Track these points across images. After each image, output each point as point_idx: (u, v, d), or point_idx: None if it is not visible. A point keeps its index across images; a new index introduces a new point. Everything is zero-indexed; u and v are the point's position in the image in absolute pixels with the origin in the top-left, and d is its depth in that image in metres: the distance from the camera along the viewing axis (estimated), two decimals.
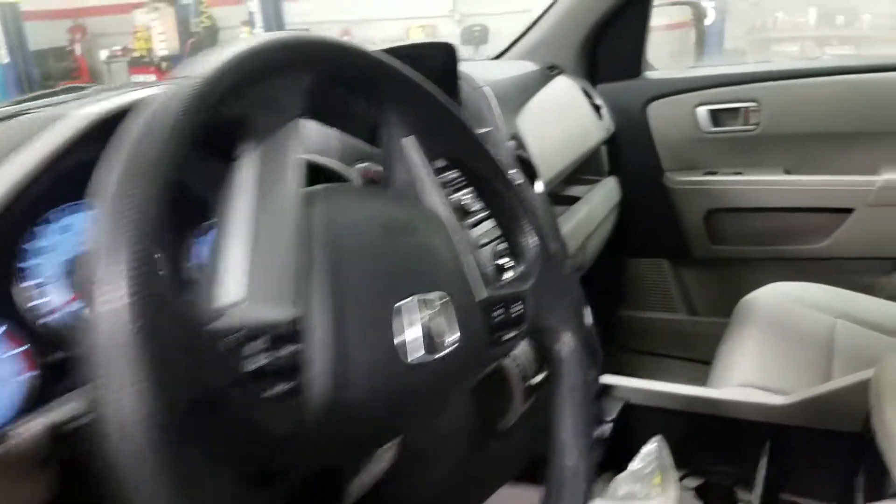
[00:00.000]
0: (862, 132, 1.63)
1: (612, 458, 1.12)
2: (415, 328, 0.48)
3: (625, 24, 1.80)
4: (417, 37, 9.06)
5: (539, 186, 1.24)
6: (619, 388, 1.26)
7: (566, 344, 0.68)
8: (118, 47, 9.46)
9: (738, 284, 1.84)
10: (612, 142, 1.86)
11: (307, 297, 0.43)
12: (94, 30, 11.07)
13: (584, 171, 1.84)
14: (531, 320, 0.66)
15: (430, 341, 0.49)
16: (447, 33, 8.91)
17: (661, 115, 1.79)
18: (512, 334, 0.63)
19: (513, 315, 0.64)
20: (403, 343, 0.47)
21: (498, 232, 0.76)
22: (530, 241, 0.70)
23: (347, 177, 0.79)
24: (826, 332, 1.40)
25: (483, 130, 1.16)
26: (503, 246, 0.80)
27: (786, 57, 6.67)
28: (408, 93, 0.59)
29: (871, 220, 1.62)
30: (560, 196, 1.72)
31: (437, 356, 0.50)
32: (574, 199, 1.69)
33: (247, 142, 0.46)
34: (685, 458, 1.10)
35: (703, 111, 1.75)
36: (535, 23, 1.85)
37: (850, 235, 1.66)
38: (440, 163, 0.65)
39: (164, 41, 8.33)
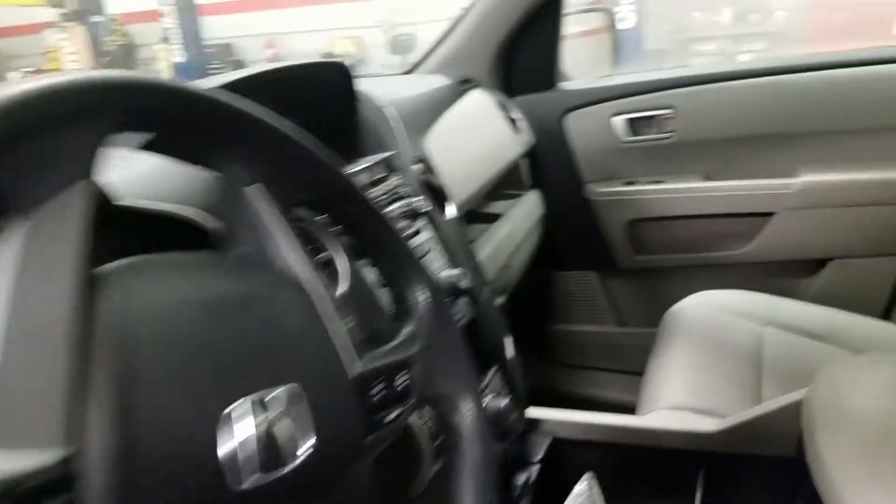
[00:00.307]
0: (779, 134, 1.62)
1: (543, 501, 1.05)
2: (248, 441, 0.39)
3: (537, 33, 1.74)
4: (344, 48, 8.97)
5: (450, 211, 1.16)
6: (547, 423, 1.18)
7: (465, 415, 0.60)
8: (31, 68, 8.99)
9: (665, 294, 1.82)
10: (531, 155, 1.80)
11: (82, 428, 0.33)
12: (6, 51, 10.53)
13: (504, 186, 1.78)
14: (421, 391, 0.57)
15: (271, 455, 0.40)
16: (375, 43, 8.82)
17: (578, 126, 1.74)
18: (397, 412, 0.54)
19: (397, 388, 0.55)
20: (233, 462, 0.38)
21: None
22: (419, 295, 0.61)
23: (209, 230, 0.68)
24: (754, 342, 1.37)
25: (384, 155, 1.07)
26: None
27: (705, 55, 6.85)
28: (247, 133, 0.49)
29: (792, 222, 1.61)
30: (480, 214, 1.65)
31: (282, 472, 0.40)
32: (495, 217, 1.62)
33: (7, 216, 0.35)
34: (619, 495, 1.03)
35: (619, 121, 1.71)
36: (446, 35, 1.78)
37: (772, 239, 1.64)
38: None
39: (75, 61, 7.93)
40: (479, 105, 1.64)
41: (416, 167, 1.12)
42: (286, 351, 0.46)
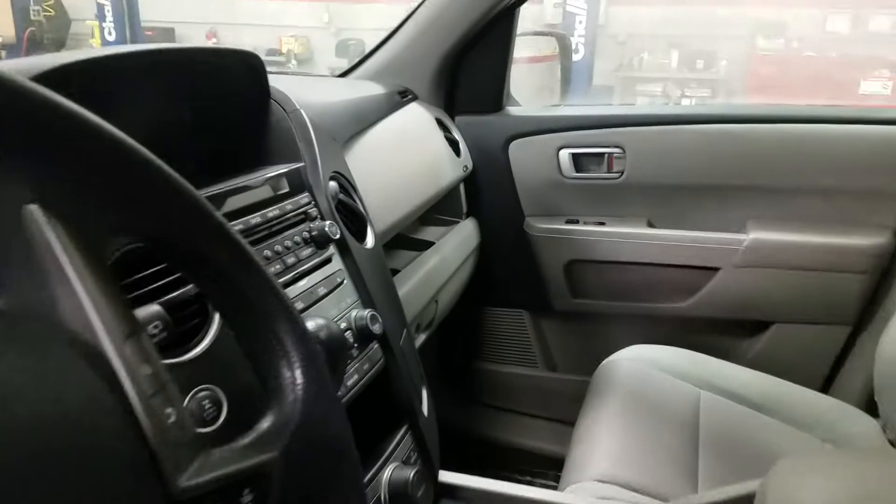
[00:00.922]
0: (730, 186, 1.53)
1: None
2: None
3: (486, 51, 1.61)
4: (290, 46, 8.69)
5: (370, 240, 1.00)
6: (461, 491, 1.03)
7: None
8: None
9: (599, 341, 1.70)
10: (470, 181, 1.67)
11: None
12: None
13: (439, 211, 1.63)
14: None
15: None
16: (322, 46, 8.58)
17: (522, 155, 1.62)
18: None
19: None
20: None
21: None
22: (285, 375, 0.44)
23: None
24: (690, 406, 1.26)
25: (290, 167, 0.90)
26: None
27: (650, 96, 6.95)
28: (30, 129, 0.32)
29: (736, 280, 1.52)
30: (408, 239, 1.49)
31: None
32: (426, 244, 1.46)
33: None
34: None
35: (565, 154, 1.59)
36: (386, 40, 1.63)
37: (714, 295, 1.55)
38: None
39: None
40: (416, 120, 1.49)
41: (332, 185, 0.95)
42: (50, 452, 0.29)
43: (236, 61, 0.89)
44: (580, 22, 6.09)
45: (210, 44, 9.65)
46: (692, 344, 1.40)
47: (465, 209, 1.67)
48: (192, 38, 9.43)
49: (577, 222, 1.63)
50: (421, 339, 1.42)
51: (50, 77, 0.65)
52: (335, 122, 1.09)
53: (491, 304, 1.79)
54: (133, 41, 7.08)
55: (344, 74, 1.66)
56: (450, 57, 1.59)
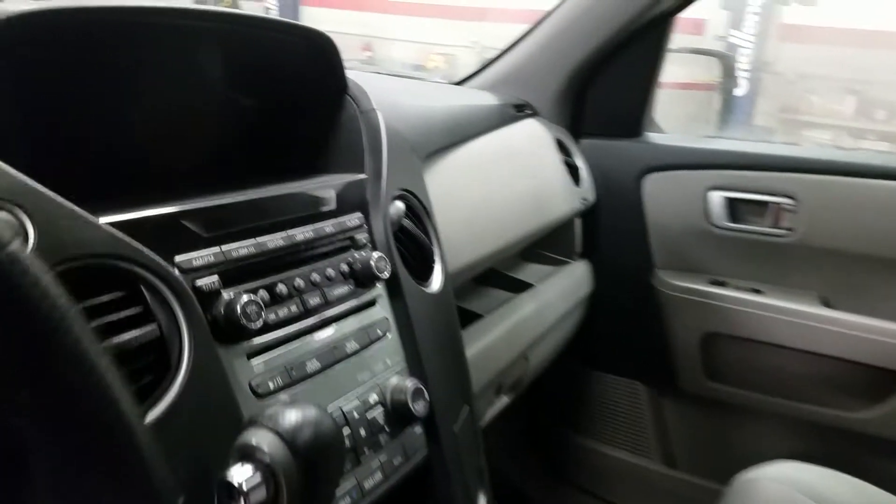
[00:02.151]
0: None
1: None
2: None
3: (629, 65, 1.35)
4: (435, 62, 8.71)
5: (436, 281, 0.75)
6: None
7: None
8: None
9: (737, 441, 1.36)
10: (590, 216, 1.39)
11: None
12: None
13: (547, 246, 1.37)
14: None
15: None
16: (466, 63, 8.55)
17: (661, 191, 1.32)
18: None
19: None
20: None
21: None
22: None
23: None
24: None
25: (342, 179, 0.68)
26: None
27: (816, 144, 6.24)
28: None
29: None
30: (504, 277, 1.24)
31: None
32: (524, 286, 1.21)
33: None
34: None
35: (717, 197, 1.27)
36: (511, 47, 1.40)
37: None
38: None
39: None
40: (530, 138, 1.25)
41: (395, 206, 0.73)
42: None
43: (306, 42, 0.69)
44: (745, 55, 5.57)
45: (365, 55, 9.96)
46: (867, 471, 1.03)
47: (578, 248, 1.40)
48: (346, 47, 9.76)
49: (724, 285, 1.30)
50: (502, 402, 1.16)
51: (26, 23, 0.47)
52: (421, 130, 0.87)
53: (599, 369, 1.49)
54: None
55: (461, 82, 1.45)
56: (582, 69, 1.33)
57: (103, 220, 0.44)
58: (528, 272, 1.33)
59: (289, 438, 0.41)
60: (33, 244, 0.39)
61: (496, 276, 1.24)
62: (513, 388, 1.19)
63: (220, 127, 0.72)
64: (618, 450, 1.51)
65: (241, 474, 0.40)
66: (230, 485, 0.39)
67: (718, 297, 1.28)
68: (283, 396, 0.53)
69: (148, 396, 0.44)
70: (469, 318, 1.05)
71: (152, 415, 0.43)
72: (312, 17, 8.43)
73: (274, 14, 7.84)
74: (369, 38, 9.75)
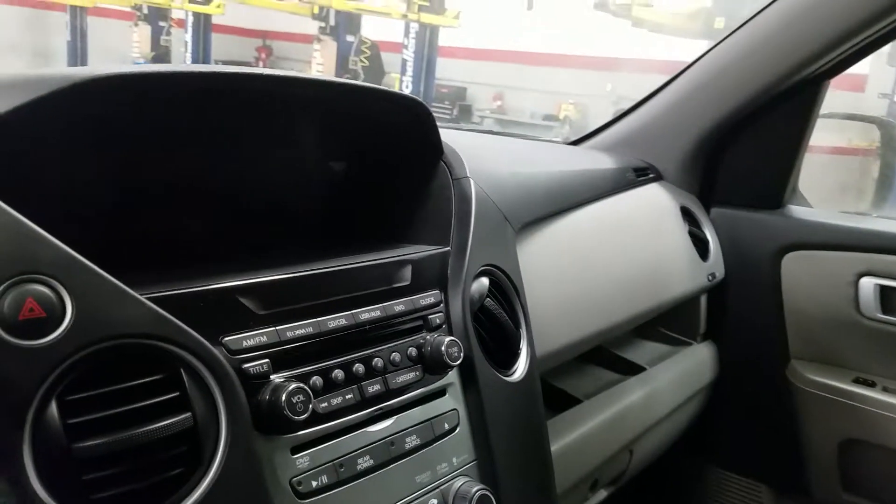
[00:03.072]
0: None
1: None
2: None
3: (771, 129, 1.21)
4: (567, 111, 8.66)
5: (519, 369, 0.68)
6: None
7: None
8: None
9: None
10: (718, 294, 1.25)
11: None
12: (277, 52, 11.81)
13: (666, 324, 1.25)
14: None
15: None
16: (599, 113, 8.44)
17: (803, 273, 1.17)
18: None
19: None
20: None
21: None
22: None
23: None
24: None
25: (428, 251, 0.63)
26: None
27: None
28: None
29: None
30: (611, 356, 1.13)
31: None
32: (635, 368, 1.10)
33: None
34: None
35: (869, 284, 1.11)
36: (637, 105, 1.31)
37: None
38: None
39: (321, 72, 8.49)
40: (651, 205, 1.14)
41: (479, 283, 0.66)
42: None
43: (404, 109, 0.65)
44: None
45: (496, 105, 10.12)
46: None
47: (702, 328, 1.26)
48: (481, 98, 9.98)
49: (872, 385, 1.12)
50: (598, 497, 1.04)
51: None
52: (518, 197, 0.81)
53: (717, 464, 1.33)
54: (426, 95, 7.61)
55: (579, 142, 1.38)
56: (718, 130, 1.22)
57: (149, 295, 0.42)
58: (640, 352, 1.21)
59: None
60: (69, 322, 0.37)
61: (603, 354, 1.13)
62: (612, 483, 1.08)
63: (305, 194, 0.70)
64: None
65: None
66: None
67: (863, 399, 1.10)
68: None
69: (176, 490, 0.41)
70: (565, 401, 0.96)
71: None
72: (447, 68, 8.69)
73: (410, 65, 8.16)
74: (501, 87, 9.91)
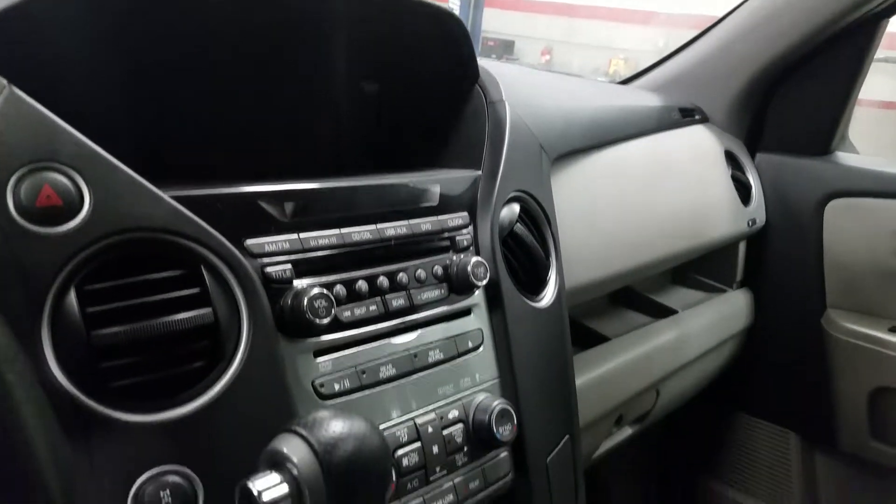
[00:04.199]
0: None
1: None
2: None
3: (822, 73, 1.17)
4: (617, 66, 8.42)
5: (547, 296, 0.68)
6: None
7: None
8: None
9: None
10: (757, 241, 1.23)
11: None
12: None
13: (701, 270, 1.23)
14: None
15: None
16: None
17: (845, 222, 1.14)
18: None
19: None
20: None
21: None
22: None
23: None
24: None
25: (458, 174, 0.64)
26: None
27: None
28: None
29: None
30: (644, 300, 1.13)
31: None
32: (666, 311, 1.09)
33: None
34: None
35: None
36: (686, 45, 1.27)
37: None
38: None
39: None
40: (695, 147, 1.12)
41: (508, 209, 0.66)
42: None
43: (434, 23, 0.65)
44: None
45: (544, 59, 9.86)
46: None
47: (739, 276, 1.24)
48: (529, 53, 9.73)
49: None
50: (623, 434, 1.06)
51: None
52: (555, 127, 0.80)
53: (747, 412, 1.32)
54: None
55: (626, 81, 1.35)
56: (767, 73, 1.18)
57: (170, 193, 0.43)
58: (675, 297, 1.20)
59: (322, 454, 0.37)
60: (87, 213, 0.39)
61: (635, 298, 1.13)
62: (638, 421, 1.09)
63: (337, 114, 0.71)
64: (756, 500, 1.33)
65: (263, 483, 0.36)
66: (250, 492, 0.36)
67: None
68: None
69: (197, 383, 0.42)
70: (594, 341, 0.96)
71: (195, 404, 0.42)
72: (494, 20, 8.50)
73: (455, 11, 7.95)
74: (550, 41, 9.65)
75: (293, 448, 0.37)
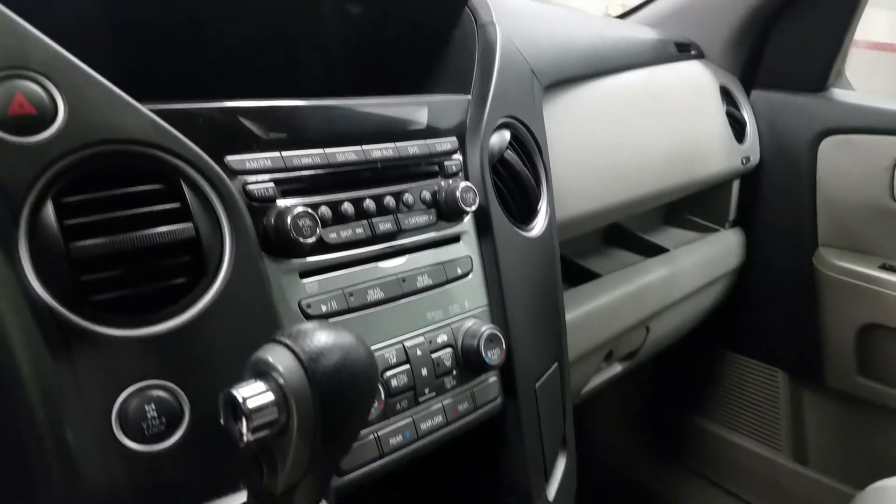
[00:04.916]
0: None
1: None
2: None
3: (823, 8, 1.14)
4: (616, 13, 8.25)
5: (538, 226, 0.68)
6: None
7: None
8: None
9: (878, 444, 1.19)
10: (751, 179, 1.22)
11: None
12: None
13: (693, 209, 1.23)
14: None
15: None
16: None
17: (839, 159, 1.13)
18: None
19: None
20: None
21: None
22: None
23: None
24: None
25: (446, 98, 0.62)
26: None
27: None
28: None
29: None
30: (635, 239, 1.13)
31: None
32: (658, 250, 1.09)
33: None
34: None
35: None
36: None
37: None
38: None
39: None
40: (690, 83, 1.10)
41: (499, 135, 0.65)
42: None
43: None
44: None
45: None
46: None
47: (731, 215, 1.24)
48: None
49: None
50: (613, 371, 1.07)
51: None
52: (547, 54, 0.78)
53: (735, 350, 1.34)
54: None
55: (623, 16, 1.32)
56: (762, 8, 1.16)
57: (148, 106, 0.41)
58: (667, 237, 1.20)
59: (308, 363, 0.37)
60: (62, 123, 0.38)
61: (629, 237, 1.13)
62: (627, 358, 1.10)
63: (323, 37, 0.69)
64: (743, 437, 1.36)
65: (248, 391, 0.36)
66: (234, 399, 0.36)
67: (888, 284, 1.08)
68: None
69: (181, 299, 0.42)
70: (586, 279, 0.96)
71: (179, 319, 0.41)
72: None
73: None
74: None
75: (278, 357, 0.37)
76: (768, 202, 1.23)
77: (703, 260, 1.15)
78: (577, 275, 0.99)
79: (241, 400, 0.35)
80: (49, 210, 0.38)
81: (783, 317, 1.24)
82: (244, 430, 0.35)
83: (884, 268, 1.10)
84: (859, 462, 1.20)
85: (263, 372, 0.37)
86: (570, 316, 0.84)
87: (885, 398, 1.14)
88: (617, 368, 1.08)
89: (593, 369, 1.00)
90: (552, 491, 0.66)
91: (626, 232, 1.12)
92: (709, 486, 1.43)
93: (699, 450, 1.43)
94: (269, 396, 0.36)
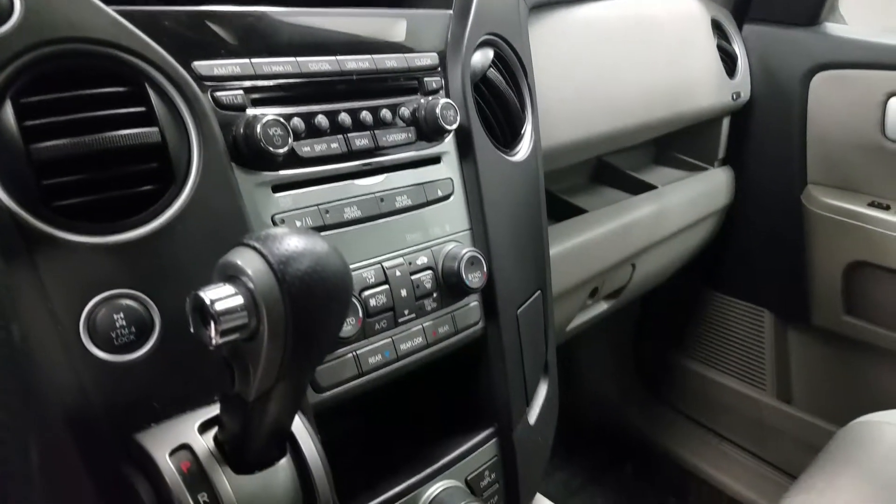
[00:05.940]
0: None
1: None
2: None
3: None
4: None
5: (522, 150, 0.66)
6: None
7: None
8: None
9: (862, 382, 1.20)
10: (741, 116, 1.21)
11: None
12: None
13: (682, 148, 1.22)
14: None
15: None
16: None
17: (830, 94, 1.11)
18: None
19: None
20: None
21: None
22: None
23: None
24: None
25: (426, 13, 0.60)
26: None
27: None
28: None
29: None
30: (623, 176, 1.12)
31: None
32: (645, 186, 1.08)
33: None
34: None
35: None
36: None
37: None
38: None
39: None
40: (681, 14, 1.07)
41: (481, 53, 0.63)
42: None
43: None
44: None
45: None
46: None
47: (721, 153, 1.23)
48: None
49: (886, 209, 1.09)
50: (598, 308, 1.07)
51: None
52: None
53: (721, 290, 1.34)
54: None
55: None
56: None
57: (112, 8, 0.39)
58: (656, 175, 1.19)
59: (277, 267, 0.35)
60: (18, 18, 0.36)
61: (617, 174, 1.11)
62: (612, 296, 1.10)
63: None
64: (728, 377, 1.38)
65: (216, 293, 0.35)
66: (202, 302, 0.34)
67: (876, 221, 1.08)
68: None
69: (147, 207, 0.41)
70: (574, 214, 0.95)
71: (147, 227, 0.40)
72: None
73: None
74: None
75: (247, 260, 0.35)
76: (758, 140, 1.21)
77: (691, 198, 1.14)
78: (564, 211, 0.98)
79: (208, 302, 0.34)
80: (8, 109, 0.36)
81: (770, 256, 1.24)
82: (213, 333, 0.34)
83: (872, 205, 1.09)
84: (843, 400, 1.22)
85: (232, 276, 0.36)
86: (555, 250, 0.83)
87: (871, 336, 1.15)
88: (603, 306, 1.07)
89: (578, 306, 1.00)
90: (533, 415, 0.66)
91: (615, 169, 1.11)
92: (693, 424, 1.45)
93: (684, 389, 1.45)
94: (239, 300, 0.35)
